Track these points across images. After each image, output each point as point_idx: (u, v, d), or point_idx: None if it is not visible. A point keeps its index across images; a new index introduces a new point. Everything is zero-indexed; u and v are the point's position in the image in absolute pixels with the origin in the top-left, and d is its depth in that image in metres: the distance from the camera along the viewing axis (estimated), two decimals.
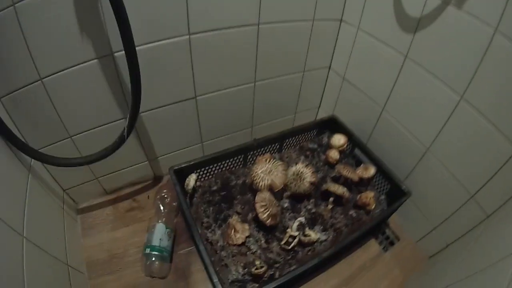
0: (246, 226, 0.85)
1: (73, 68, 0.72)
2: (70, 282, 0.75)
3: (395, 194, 1.00)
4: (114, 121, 0.88)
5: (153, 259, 0.86)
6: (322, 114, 1.29)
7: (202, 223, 0.91)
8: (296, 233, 0.84)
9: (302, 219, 0.85)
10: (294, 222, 0.86)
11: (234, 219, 0.86)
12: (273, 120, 1.17)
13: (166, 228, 0.92)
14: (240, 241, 0.83)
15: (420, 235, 1.09)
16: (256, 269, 0.81)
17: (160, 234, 0.90)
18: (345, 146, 1.07)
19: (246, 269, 0.83)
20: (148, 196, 1.08)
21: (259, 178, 0.89)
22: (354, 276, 1.01)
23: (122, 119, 0.88)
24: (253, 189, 0.93)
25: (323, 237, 0.90)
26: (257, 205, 0.83)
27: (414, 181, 1.02)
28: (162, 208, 0.98)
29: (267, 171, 0.90)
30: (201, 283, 0.89)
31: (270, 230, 0.88)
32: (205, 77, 0.92)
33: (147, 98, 0.85)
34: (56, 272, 0.72)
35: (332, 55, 1.14)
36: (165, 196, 1.01)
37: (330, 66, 1.18)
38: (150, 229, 0.91)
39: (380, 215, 0.95)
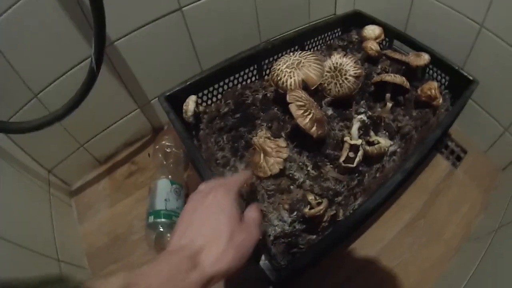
0: (282, 142, 0.52)
1: None
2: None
3: (457, 86, 0.72)
4: (84, 60, 0.63)
5: (161, 228, 0.63)
6: (341, 10, 0.98)
7: (217, 161, 0.58)
8: (358, 141, 0.53)
9: (363, 116, 0.53)
10: (353, 124, 0.54)
11: (260, 136, 0.52)
12: (284, 22, 0.85)
13: (172, 184, 0.68)
14: (277, 169, 0.50)
15: (489, 143, 0.82)
16: (311, 208, 0.49)
17: (164, 194, 0.67)
18: (381, 37, 0.76)
19: (296, 213, 0.51)
20: (149, 154, 0.81)
21: (284, 74, 0.57)
22: (430, 205, 0.72)
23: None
24: (279, 100, 0.60)
25: (392, 148, 0.59)
26: (292, 106, 0.50)
27: (472, 69, 0.74)
28: (164, 160, 0.72)
29: (295, 64, 0.58)
30: None
31: (317, 147, 0.56)
32: None
33: (118, 20, 0.63)
34: (41, 271, 0.55)
35: None
36: (167, 144, 0.74)
37: None
38: (152, 190, 0.68)
39: (452, 111, 0.65)
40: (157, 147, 0.74)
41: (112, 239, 0.71)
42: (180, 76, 0.70)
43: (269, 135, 0.52)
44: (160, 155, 0.72)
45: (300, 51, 0.60)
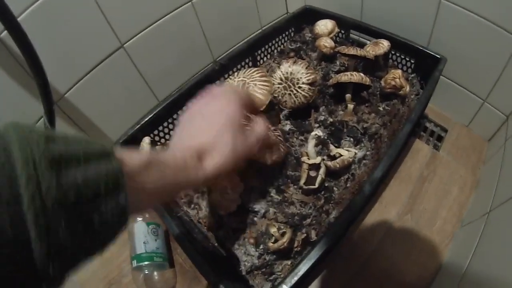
0: (235, 177, 0.44)
1: None
2: None
3: (425, 68, 0.62)
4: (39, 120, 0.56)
5: (146, 271, 0.58)
6: (293, 8, 0.87)
7: (180, 201, 0.51)
8: (317, 159, 0.44)
9: (317, 132, 0.44)
10: (309, 142, 0.45)
11: None
12: (235, 33, 0.77)
13: (149, 225, 0.61)
14: (234, 205, 0.43)
15: (470, 116, 0.72)
16: (275, 240, 0.42)
17: (142, 236, 0.60)
18: (335, 31, 0.66)
19: (262, 246, 0.44)
20: None
21: None
22: (416, 194, 0.63)
23: None
24: None
25: (360, 153, 0.50)
26: None
27: (438, 47, 0.64)
28: None
29: (238, 87, 0.49)
30: None
31: (278, 169, 0.48)
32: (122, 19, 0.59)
33: (65, 72, 0.57)
34: None
35: None
36: None
37: None
38: (130, 234, 0.61)
39: (423, 96, 0.56)
40: None
41: (106, 284, 0.66)
42: (139, 111, 0.63)
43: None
44: None
45: (245, 70, 0.51)
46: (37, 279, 0.15)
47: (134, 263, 0.60)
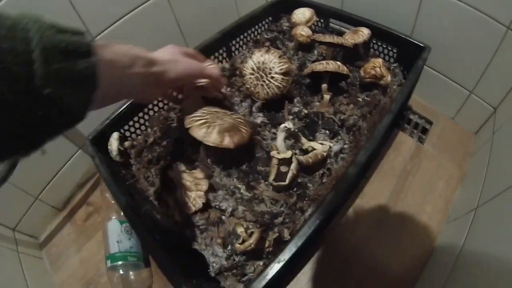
0: (199, 173, 0.40)
1: None
2: None
3: (408, 57, 0.59)
4: None
5: (121, 271, 0.55)
6: None
7: (148, 197, 0.47)
8: (287, 154, 0.41)
9: (287, 124, 0.40)
10: (278, 135, 0.42)
11: (175, 172, 0.41)
12: (211, 25, 0.72)
13: (122, 224, 0.59)
14: (199, 203, 0.40)
15: (456, 108, 0.69)
16: (243, 241, 0.38)
17: (115, 235, 0.58)
18: (313, 20, 0.63)
19: (230, 247, 0.40)
20: (101, 191, 0.71)
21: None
22: (400, 189, 0.60)
23: None
24: None
25: (336, 146, 0.47)
26: (192, 130, 0.38)
27: (422, 36, 0.60)
28: (111, 199, 0.62)
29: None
30: None
31: (247, 166, 0.45)
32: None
33: None
34: None
35: None
36: None
37: None
38: (104, 233, 0.59)
39: (405, 86, 0.52)
40: (103, 186, 0.63)
41: (85, 284, 0.63)
42: (110, 108, 0.59)
43: (184, 168, 0.41)
44: (107, 195, 0.62)
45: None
46: (35, 99, 0.20)
47: (108, 263, 0.57)
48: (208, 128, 0.38)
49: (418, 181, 0.62)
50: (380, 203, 0.59)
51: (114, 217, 0.60)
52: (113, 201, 0.63)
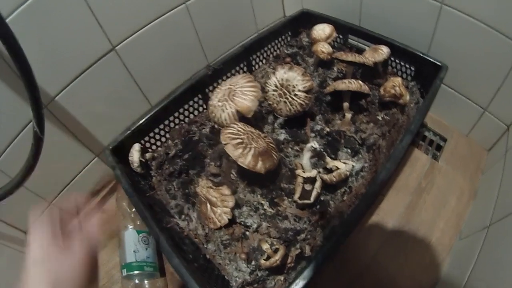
0: (226, 190, 0.41)
1: None
2: None
3: (425, 75, 0.59)
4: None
5: (136, 280, 0.55)
6: (290, 11, 0.82)
7: (172, 210, 0.47)
8: (312, 173, 0.41)
9: (313, 143, 0.41)
10: (304, 154, 0.42)
11: (203, 186, 0.42)
12: (230, 37, 0.73)
13: (139, 233, 0.58)
14: (225, 219, 0.40)
15: (470, 125, 0.69)
16: (268, 257, 0.39)
17: (132, 245, 0.57)
18: (333, 36, 0.63)
19: (253, 262, 0.41)
20: (116, 199, 0.69)
21: (217, 109, 0.45)
22: (414, 205, 0.60)
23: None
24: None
25: (358, 165, 0.47)
26: (228, 148, 0.39)
27: (438, 53, 0.61)
28: (128, 208, 0.61)
29: (226, 95, 0.46)
30: None
31: (272, 180, 0.45)
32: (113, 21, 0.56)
33: (54, 74, 0.53)
34: None
35: None
36: None
37: None
38: (121, 242, 0.58)
39: (423, 106, 0.53)
40: (119, 195, 0.64)
41: None
42: (131, 116, 0.60)
43: (210, 184, 0.42)
44: (124, 204, 0.62)
45: (232, 77, 0.48)
46: None
47: (124, 272, 0.57)
48: (244, 149, 0.39)
49: (432, 197, 0.62)
50: (394, 219, 0.59)
51: (131, 226, 0.61)
52: (129, 211, 0.63)
